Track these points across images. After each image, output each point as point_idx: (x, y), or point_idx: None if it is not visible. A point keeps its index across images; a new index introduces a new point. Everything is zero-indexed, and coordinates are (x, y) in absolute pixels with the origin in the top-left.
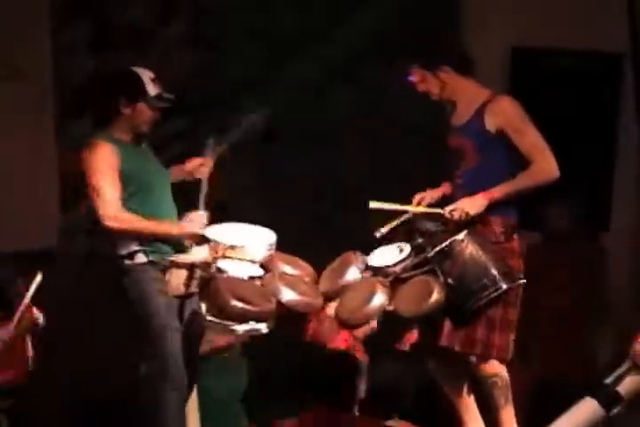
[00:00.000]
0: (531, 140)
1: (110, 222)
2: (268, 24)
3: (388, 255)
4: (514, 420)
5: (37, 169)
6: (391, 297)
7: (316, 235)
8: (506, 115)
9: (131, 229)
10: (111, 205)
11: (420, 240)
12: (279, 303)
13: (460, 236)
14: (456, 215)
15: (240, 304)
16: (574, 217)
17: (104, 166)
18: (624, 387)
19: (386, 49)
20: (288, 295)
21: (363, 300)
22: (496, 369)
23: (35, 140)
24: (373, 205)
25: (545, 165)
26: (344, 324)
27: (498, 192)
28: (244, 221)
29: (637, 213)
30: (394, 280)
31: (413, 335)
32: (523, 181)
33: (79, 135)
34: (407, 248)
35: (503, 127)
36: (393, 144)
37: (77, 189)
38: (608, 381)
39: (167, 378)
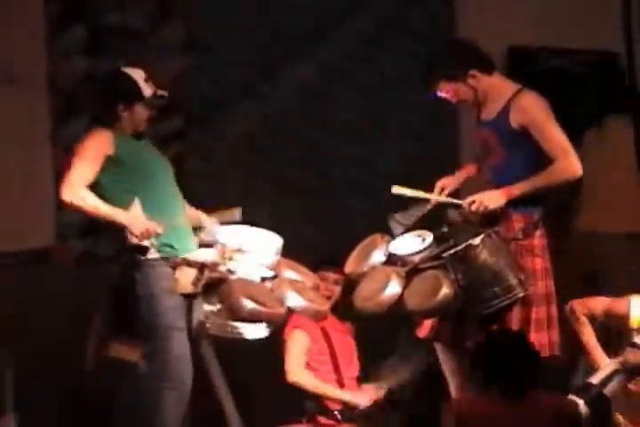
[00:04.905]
0: (552, 137)
1: (66, 196)
2: (262, 27)
3: (410, 244)
4: None
5: (33, 170)
6: (405, 287)
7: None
8: (528, 111)
9: (81, 205)
10: (75, 182)
11: (444, 230)
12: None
13: (476, 241)
14: (474, 207)
15: (252, 304)
16: (568, 218)
17: (90, 152)
18: (608, 386)
19: (382, 50)
20: (296, 301)
21: (377, 289)
22: None
23: (30, 142)
24: (396, 190)
25: (567, 164)
26: (359, 311)
27: (518, 189)
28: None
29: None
30: (411, 270)
31: (429, 324)
32: (544, 179)
33: (74, 136)
34: (429, 238)
35: (526, 123)
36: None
37: None
38: (594, 380)
39: (166, 377)
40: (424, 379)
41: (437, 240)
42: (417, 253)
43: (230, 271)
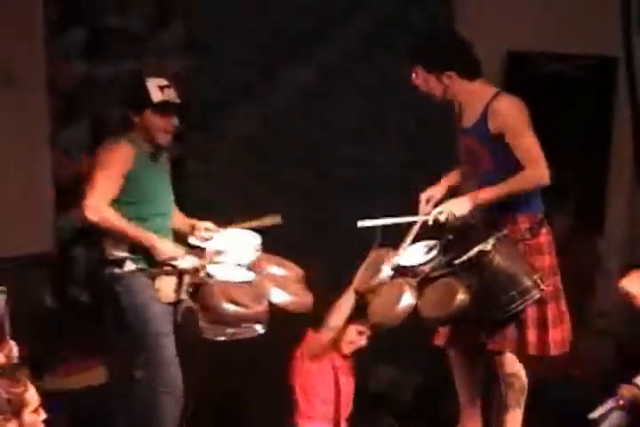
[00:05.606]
0: (525, 143)
1: (91, 214)
2: (262, 27)
3: (417, 254)
4: (519, 425)
5: (33, 174)
6: (419, 296)
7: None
8: (504, 115)
9: (108, 225)
10: (99, 198)
11: (450, 237)
12: (272, 305)
13: (488, 246)
14: (443, 218)
15: (232, 307)
16: (568, 221)
17: (112, 165)
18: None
19: (382, 50)
20: (279, 296)
21: (392, 302)
22: (516, 370)
23: (29, 144)
24: (363, 223)
25: (536, 172)
26: (377, 327)
27: (484, 194)
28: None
29: (631, 217)
30: (422, 279)
31: (445, 330)
32: (512, 186)
33: (74, 139)
34: (436, 247)
35: (502, 128)
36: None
37: (73, 194)
38: (593, 416)
39: (161, 383)
40: (424, 379)
41: (445, 248)
42: (426, 262)
43: (209, 275)
